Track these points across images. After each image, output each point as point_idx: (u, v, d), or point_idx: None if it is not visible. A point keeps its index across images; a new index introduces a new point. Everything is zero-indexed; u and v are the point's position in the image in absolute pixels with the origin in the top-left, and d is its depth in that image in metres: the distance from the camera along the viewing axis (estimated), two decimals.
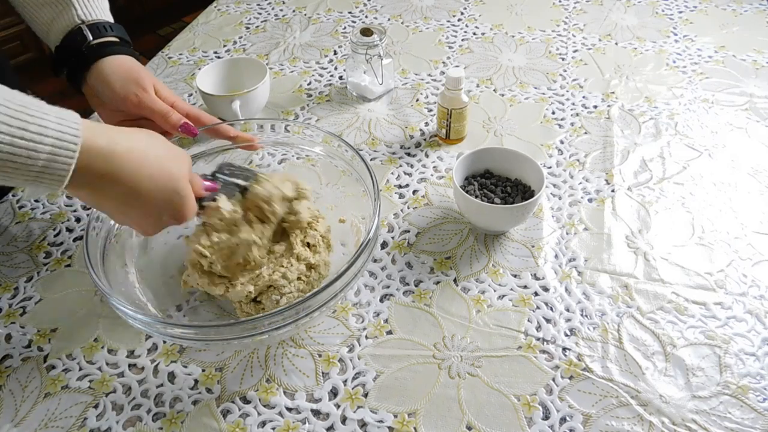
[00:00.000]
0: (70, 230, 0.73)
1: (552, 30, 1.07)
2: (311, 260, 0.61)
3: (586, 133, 0.84)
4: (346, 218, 0.69)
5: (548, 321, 0.61)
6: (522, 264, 0.67)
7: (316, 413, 0.55)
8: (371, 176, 0.61)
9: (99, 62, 0.62)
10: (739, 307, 0.62)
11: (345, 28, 1.10)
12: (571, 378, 0.57)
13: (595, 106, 0.89)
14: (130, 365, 0.59)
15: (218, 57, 1.03)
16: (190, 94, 0.94)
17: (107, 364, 0.59)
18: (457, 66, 0.99)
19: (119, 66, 0.63)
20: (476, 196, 0.69)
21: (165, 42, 1.10)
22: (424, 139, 0.84)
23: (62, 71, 0.64)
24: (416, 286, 0.65)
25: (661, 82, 0.94)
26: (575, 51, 1.01)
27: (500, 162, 0.72)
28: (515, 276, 0.66)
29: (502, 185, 0.71)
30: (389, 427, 0.54)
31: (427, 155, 0.82)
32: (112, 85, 0.62)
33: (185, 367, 0.59)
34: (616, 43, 1.03)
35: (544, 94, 0.92)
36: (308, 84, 0.96)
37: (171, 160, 0.50)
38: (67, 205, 0.76)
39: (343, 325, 0.62)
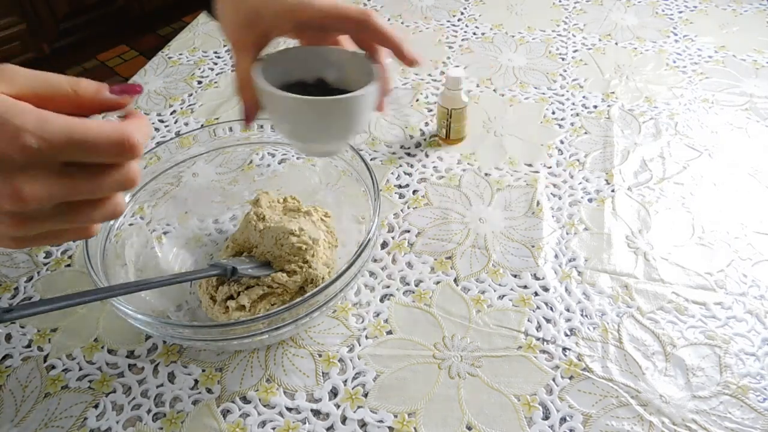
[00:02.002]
0: None
1: (552, 30, 1.07)
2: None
3: (586, 133, 0.85)
4: (345, 218, 0.69)
5: (548, 321, 0.61)
6: (522, 264, 0.67)
7: (316, 413, 0.55)
8: (371, 176, 0.61)
9: None
10: (739, 307, 0.62)
11: None
12: (571, 378, 0.57)
13: (595, 106, 0.89)
14: (130, 365, 0.59)
15: (218, 57, 1.03)
16: (190, 94, 0.94)
17: (107, 364, 0.59)
18: (457, 66, 0.99)
19: None
20: None
21: (165, 42, 1.10)
22: (424, 139, 0.84)
23: None
24: (416, 286, 0.65)
25: (661, 82, 0.94)
26: (575, 51, 1.01)
27: (338, 68, 0.51)
28: (515, 276, 0.66)
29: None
30: (389, 427, 0.54)
31: (427, 155, 0.82)
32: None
33: (185, 367, 0.59)
34: (616, 43, 1.03)
35: (544, 94, 0.92)
36: None
37: None
38: None
39: (343, 325, 0.62)
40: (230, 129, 0.69)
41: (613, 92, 0.92)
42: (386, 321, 0.62)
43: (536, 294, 0.64)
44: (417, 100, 0.91)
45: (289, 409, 0.55)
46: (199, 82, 0.97)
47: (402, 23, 1.10)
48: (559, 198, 0.75)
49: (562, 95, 0.91)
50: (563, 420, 0.54)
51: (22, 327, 0.63)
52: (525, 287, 0.65)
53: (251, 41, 0.48)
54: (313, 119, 0.47)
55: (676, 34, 1.05)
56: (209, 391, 0.57)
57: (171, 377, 0.58)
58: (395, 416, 0.54)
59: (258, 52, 0.48)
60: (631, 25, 1.08)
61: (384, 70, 0.49)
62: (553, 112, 0.88)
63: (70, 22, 2.34)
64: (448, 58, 1.01)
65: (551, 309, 0.62)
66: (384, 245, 0.70)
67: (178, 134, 0.84)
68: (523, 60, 1.00)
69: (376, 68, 0.48)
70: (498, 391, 0.56)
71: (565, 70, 0.97)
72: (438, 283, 0.65)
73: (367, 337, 0.61)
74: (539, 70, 0.97)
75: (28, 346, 0.61)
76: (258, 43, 0.48)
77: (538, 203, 0.74)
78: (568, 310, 0.62)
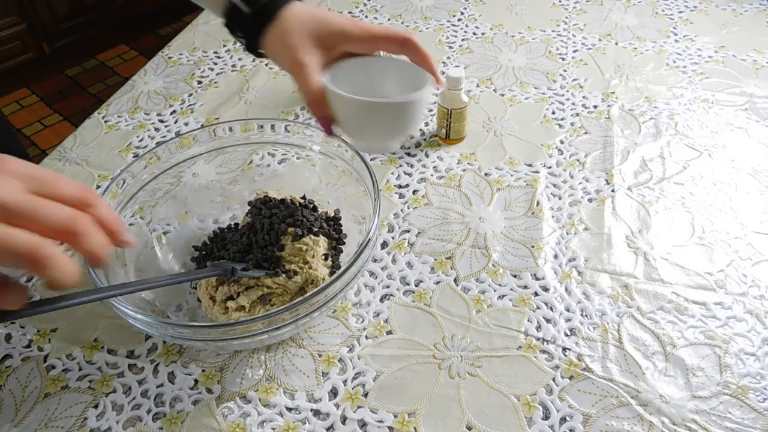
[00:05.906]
0: None
1: (552, 30, 1.07)
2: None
3: (586, 133, 0.85)
4: (345, 218, 0.69)
5: (548, 321, 0.61)
6: (522, 264, 0.67)
7: (316, 413, 0.55)
8: (371, 176, 0.61)
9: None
10: (739, 307, 0.62)
11: None
12: (571, 378, 0.57)
13: (595, 106, 0.89)
14: (130, 365, 0.59)
15: (218, 57, 1.03)
16: (190, 94, 0.94)
17: (107, 364, 0.59)
18: (457, 66, 0.99)
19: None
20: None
21: (165, 42, 1.10)
22: (424, 139, 0.84)
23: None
24: (416, 286, 0.65)
25: (661, 82, 0.94)
26: (575, 51, 1.01)
27: (390, 75, 0.57)
28: (515, 276, 0.66)
29: None
30: (389, 427, 0.54)
31: (427, 155, 0.82)
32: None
33: (185, 367, 0.59)
34: (616, 43, 1.03)
35: (544, 94, 0.92)
36: None
37: None
38: None
39: (343, 325, 0.62)
40: (230, 129, 0.69)
41: (613, 92, 0.92)
42: (386, 321, 0.62)
43: (536, 294, 0.64)
44: None
45: (289, 409, 0.55)
46: (199, 82, 0.97)
47: (402, 23, 1.10)
48: (559, 198, 0.75)
49: (562, 95, 0.91)
50: (563, 420, 0.54)
51: (22, 327, 0.63)
52: (525, 287, 0.65)
53: (317, 61, 0.53)
54: (390, 119, 0.53)
55: (676, 34, 1.05)
56: (209, 391, 0.57)
57: (171, 377, 0.58)
58: (395, 416, 0.54)
59: (321, 69, 0.53)
60: (631, 25, 1.08)
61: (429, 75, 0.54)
62: (553, 112, 0.88)
63: (70, 22, 2.34)
64: (448, 58, 1.01)
65: (551, 309, 0.62)
66: (384, 245, 0.70)
67: (178, 134, 0.84)
68: (523, 60, 1.00)
69: (424, 73, 0.54)
70: (498, 391, 0.56)
71: (565, 70, 0.97)
72: (438, 283, 0.65)
73: (367, 337, 0.61)
74: (539, 70, 0.97)
75: (28, 346, 0.61)
76: (322, 62, 0.53)
77: (538, 203, 0.74)
78: (568, 310, 0.62)
